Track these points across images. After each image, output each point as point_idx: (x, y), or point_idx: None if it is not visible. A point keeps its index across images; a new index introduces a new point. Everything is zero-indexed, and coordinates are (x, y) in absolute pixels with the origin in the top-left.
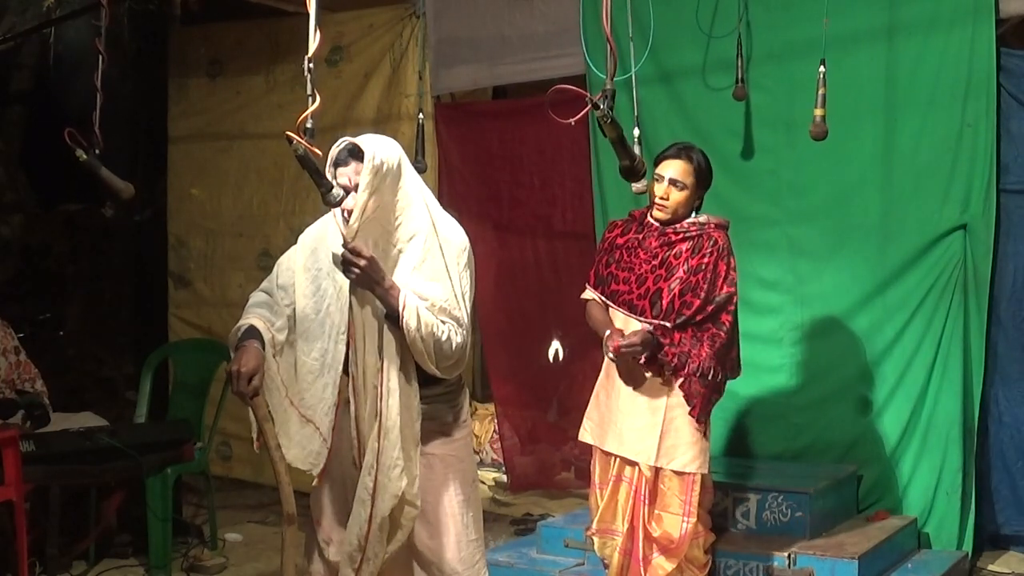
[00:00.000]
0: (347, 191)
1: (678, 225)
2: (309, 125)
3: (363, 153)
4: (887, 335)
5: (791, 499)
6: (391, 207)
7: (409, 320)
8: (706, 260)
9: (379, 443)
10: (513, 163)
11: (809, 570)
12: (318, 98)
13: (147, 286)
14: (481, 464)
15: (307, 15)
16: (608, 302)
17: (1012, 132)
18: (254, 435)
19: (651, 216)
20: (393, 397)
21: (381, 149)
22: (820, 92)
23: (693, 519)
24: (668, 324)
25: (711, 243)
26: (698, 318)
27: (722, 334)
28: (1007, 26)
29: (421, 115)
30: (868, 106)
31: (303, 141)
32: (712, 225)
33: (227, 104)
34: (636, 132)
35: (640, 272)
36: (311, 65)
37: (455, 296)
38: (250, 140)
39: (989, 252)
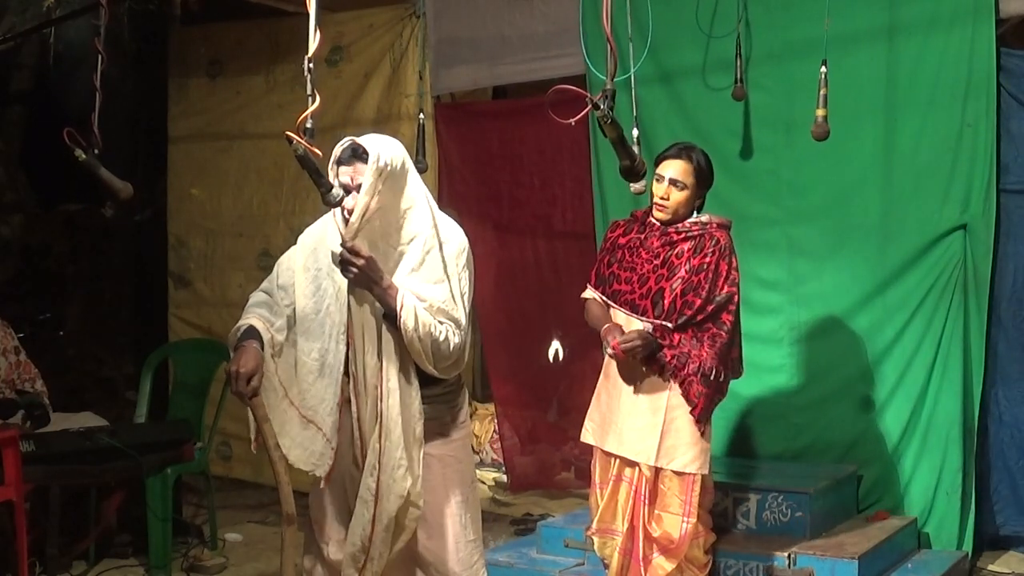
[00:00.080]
0: (347, 190)
1: (680, 225)
2: (309, 125)
3: (367, 154)
4: (887, 335)
5: (791, 499)
6: (393, 208)
7: (407, 320)
8: (708, 260)
9: (380, 443)
10: (513, 163)
11: (809, 570)
12: (318, 98)
13: (147, 286)
14: (481, 464)
15: (307, 15)
16: (610, 302)
17: (1012, 132)
18: (252, 435)
19: (652, 216)
20: (393, 397)
21: (386, 150)
22: (822, 92)
23: (693, 519)
24: (669, 324)
25: (713, 242)
26: (699, 318)
27: (723, 334)
28: (1007, 26)
29: (422, 115)
30: (868, 106)
31: (303, 141)
32: (714, 225)
33: (227, 104)
34: (635, 133)
35: (642, 272)
36: (311, 65)
37: (453, 297)
38: (250, 140)
39: (989, 252)
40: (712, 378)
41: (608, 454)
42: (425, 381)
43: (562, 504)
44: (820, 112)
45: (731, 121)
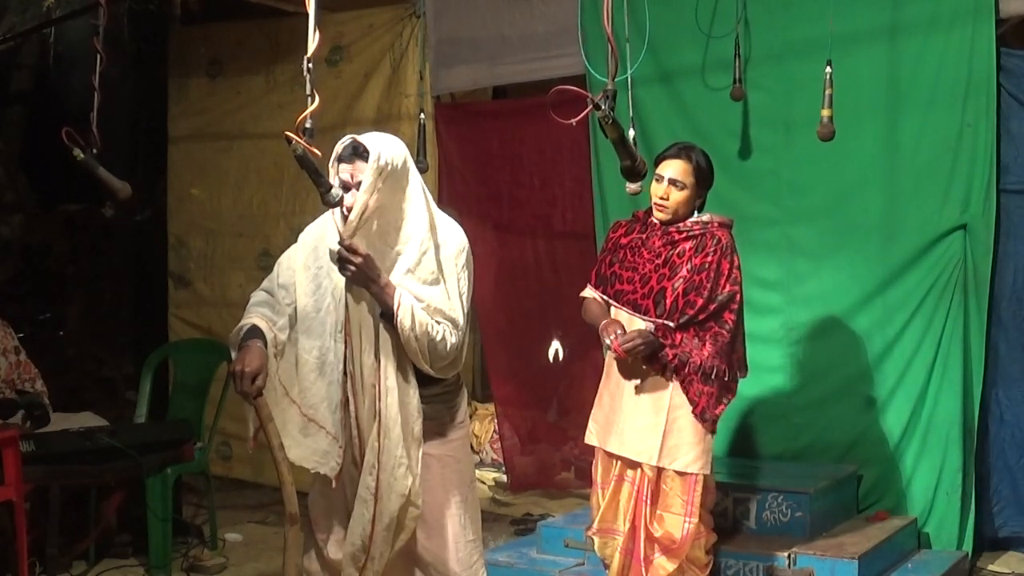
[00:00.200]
0: (346, 188)
1: (681, 224)
2: (308, 125)
3: (367, 152)
4: (887, 335)
5: (791, 499)
6: (393, 207)
7: (404, 319)
8: (709, 259)
9: (379, 442)
10: (513, 163)
11: (809, 570)
12: (318, 98)
13: (147, 286)
14: (481, 464)
15: (307, 15)
16: (612, 302)
17: (1012, 132)
18: (251, 434)
19: (653, 216)
20: (391, 396)
21: (387, 149)
22: (827, 92)
23: (695, 519)
24: (671, 324)
25: (714, 242)
26: (701, 317)
27: (724, 332)
28: (1007, 26)
29: (423, 115)
30: (868, 106)
31: (302, 141)
32: (716, 224)
33: (227, 104)
34: (632, 133)
35: (644, 272)
36: (311, 65)
37: (451, 297)
38: (250, 140)
39: (989, 252)
40: (713, 376)
41: (610, 455)
42: (423, 381)
43: (562, 504)
44: (825, 112)
45: (731, 121)
